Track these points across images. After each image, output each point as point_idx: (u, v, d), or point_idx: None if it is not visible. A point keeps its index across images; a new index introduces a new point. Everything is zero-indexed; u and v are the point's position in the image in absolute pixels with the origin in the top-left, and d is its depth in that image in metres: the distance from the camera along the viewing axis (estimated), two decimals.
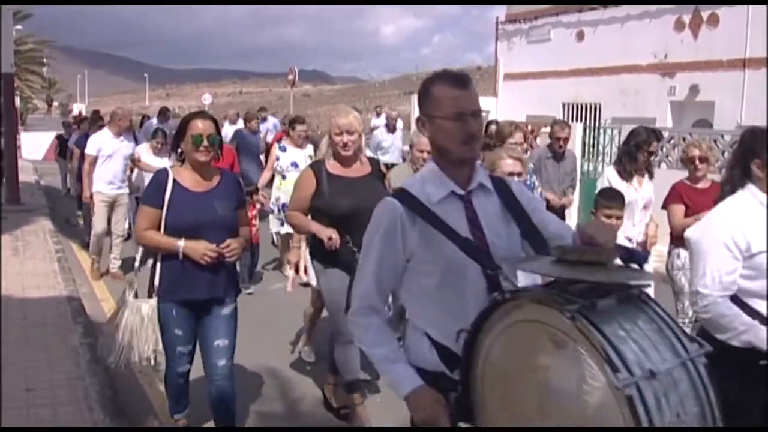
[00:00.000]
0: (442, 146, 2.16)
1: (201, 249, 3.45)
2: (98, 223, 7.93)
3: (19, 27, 31.20)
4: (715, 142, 10.98)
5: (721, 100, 13.82)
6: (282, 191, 7.43)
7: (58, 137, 16.15)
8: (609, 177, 5.45)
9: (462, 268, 2.12)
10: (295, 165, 7.44)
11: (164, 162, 7.77)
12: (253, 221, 6.79)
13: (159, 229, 3.51)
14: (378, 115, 18.87)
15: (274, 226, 7.68)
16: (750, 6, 13.30)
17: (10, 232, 9.76)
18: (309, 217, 4.17)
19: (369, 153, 7.16)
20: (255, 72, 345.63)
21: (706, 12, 14.38)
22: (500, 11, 20.20)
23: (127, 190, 8.11)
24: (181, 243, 3.44)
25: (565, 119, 16.82)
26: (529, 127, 13.90)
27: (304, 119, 8.17)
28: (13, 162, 12.79)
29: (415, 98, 21.31)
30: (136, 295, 3.76)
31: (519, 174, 3.65)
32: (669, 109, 15.23)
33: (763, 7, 12.60)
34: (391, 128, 12.61)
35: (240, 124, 14.36)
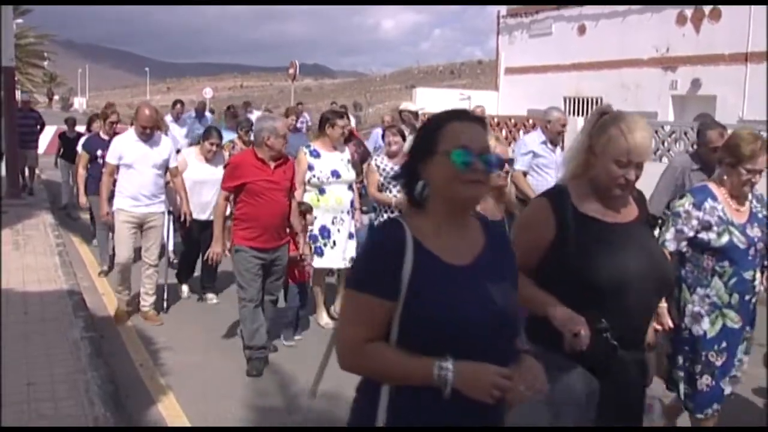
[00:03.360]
0: None
1: (488, 378, 1.74)
2: (122, 250, 6.25)
3: (20, 21, 31.16)
4: None
5: (723, 94, 13.79)
6: (321, 210, 5.91)
7: (61, 136, 12.24)
8: None
9: None
10: (336, 174, 5.92)
11: (219, 172, 5.86)
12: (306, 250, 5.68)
13: (386, 337, 1.84)
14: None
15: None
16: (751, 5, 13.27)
17: (10, 226, 9.76)
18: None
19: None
20: (256, 66, 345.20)
21: (707, 6, 14.35)
22: (500, 6, 20.15)
23: (161, 208, 6.37)
24: (450, 365, 1.75)
25: (567, 113, 16.84)
26: (531, 121, 13.92)
27: (344, 112, 6.43)
28: (14, 156, 12.77)
29: (416, 92, 21.29)
30: None
31: None
32: (670, 103, 15.21)
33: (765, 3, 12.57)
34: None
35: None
